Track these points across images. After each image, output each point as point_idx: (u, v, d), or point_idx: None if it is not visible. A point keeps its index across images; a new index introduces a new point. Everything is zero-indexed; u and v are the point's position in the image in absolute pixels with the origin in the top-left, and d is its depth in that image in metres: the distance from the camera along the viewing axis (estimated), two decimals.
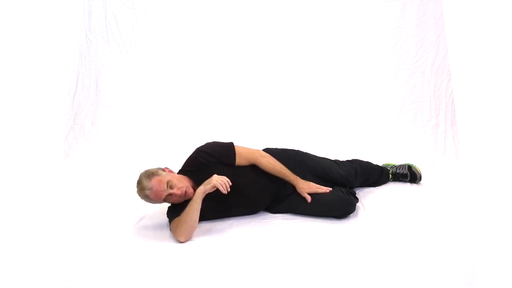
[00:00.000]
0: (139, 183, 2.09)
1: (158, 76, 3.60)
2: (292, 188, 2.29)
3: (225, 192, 2.00)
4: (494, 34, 1.24)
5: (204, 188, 2.02)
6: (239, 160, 2.22)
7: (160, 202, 2.12)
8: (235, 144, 2.25)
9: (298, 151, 2.46)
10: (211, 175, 2.06)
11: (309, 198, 2.22)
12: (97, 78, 3.62)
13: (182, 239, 2.02)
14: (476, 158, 1.29)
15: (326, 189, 2.26)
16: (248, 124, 3.42)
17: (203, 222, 2.17)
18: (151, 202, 2.13)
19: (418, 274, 1.70)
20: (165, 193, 2.05)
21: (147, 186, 2.05)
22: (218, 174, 2.07)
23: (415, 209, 2.30)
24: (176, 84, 3.58)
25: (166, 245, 2.00)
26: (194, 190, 2.07)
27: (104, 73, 3.62)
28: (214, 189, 2.01)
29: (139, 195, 2.10)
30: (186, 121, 3.49)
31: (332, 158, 2.53)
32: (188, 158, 2.24)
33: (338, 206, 2.20)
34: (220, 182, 1.99)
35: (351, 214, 2.23)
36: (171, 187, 2.05)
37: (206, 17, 3.55)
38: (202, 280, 1.73)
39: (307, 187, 2.26)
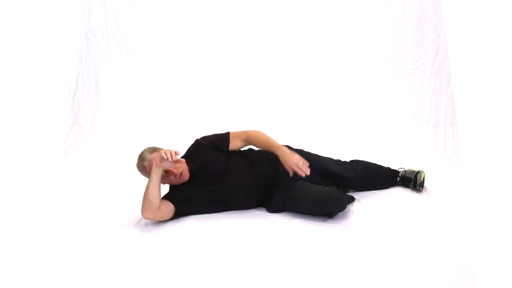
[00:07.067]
0: (141, 155, 2.21)
1: (158, 76, 3.60)
2: (286, 179, 2.26)
3: (170, 159, 2.00)
4: (494, 34, 1.24)
5: (155, 163, 2.08)
6: (234, 141, 2.31)
7: None
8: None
9: (302, 150, 2.46)
10: (206, 159, 2.22)
11: (291, 173, 2.14)
12: (97, 78, 3.63)
13: (144, 215, 2.08)
14: (476, 158, 1.29)
15: (305, 172, 2.10)
16: (249, 124, 3.41)
17: (203, 218, 2.21)
18: (146, 176, 2.18)
19: (418, 274, 1.70)
20: None
21: (146, 158, 2.18)
22: (213, 158, 2.24)
23: (415, 209, 2.30)
24: (176, 84, 3.59)
25: (166, 245, 2.00)
26: (190, 175, 2.20)
27: (104, 73, 3.62)
28: (163, 161, 2.03)
29: (138, 167, 2.21)
30: (186, 121, 3.49)
31: (334, 158, 2.54)
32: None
33: (328, 203, 2.16)
34: (164, 151, 2.03)
35: (350, 214, 2.24)
36: None
37: (206, 17, 3.55)
38: (201, 280, 1.73)
39: (289, 161, 2.12)
